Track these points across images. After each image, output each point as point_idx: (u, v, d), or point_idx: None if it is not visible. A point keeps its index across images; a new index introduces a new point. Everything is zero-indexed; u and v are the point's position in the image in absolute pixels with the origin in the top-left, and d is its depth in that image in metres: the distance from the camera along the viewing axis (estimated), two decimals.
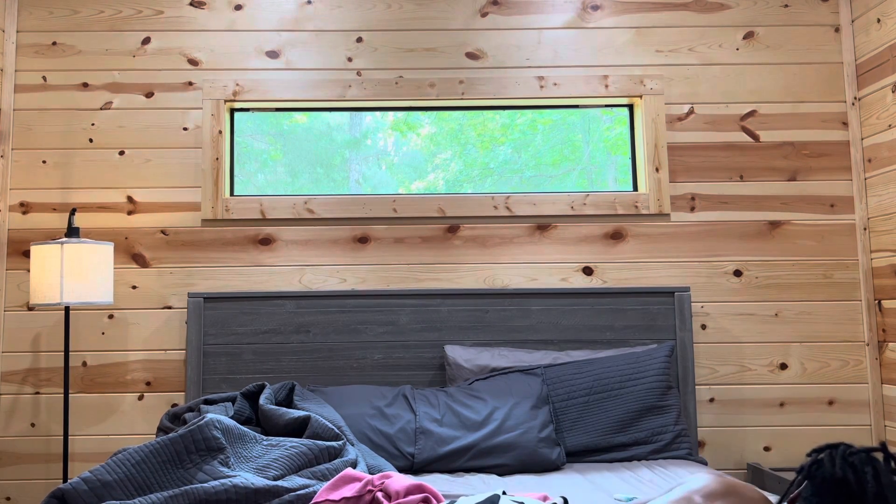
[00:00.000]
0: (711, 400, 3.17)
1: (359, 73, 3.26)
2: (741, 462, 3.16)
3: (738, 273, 3.22)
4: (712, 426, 3.16)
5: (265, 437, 2.17)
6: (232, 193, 3.30)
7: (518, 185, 3.38)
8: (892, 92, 3.04)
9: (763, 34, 3.32)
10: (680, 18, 3.32)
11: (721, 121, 3.28)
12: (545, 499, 1.85)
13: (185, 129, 3.22)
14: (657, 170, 3.23)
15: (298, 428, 2.32)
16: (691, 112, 3.28)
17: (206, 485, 1.78)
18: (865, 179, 3.23)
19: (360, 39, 3.28)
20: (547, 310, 3.08)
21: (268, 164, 3.37)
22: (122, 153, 3.20)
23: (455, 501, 1.72)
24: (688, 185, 3.25)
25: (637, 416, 2.73)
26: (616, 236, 3.22)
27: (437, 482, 2.35)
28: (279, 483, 1.85)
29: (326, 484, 1.86)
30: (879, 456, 1.74)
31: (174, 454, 1.90)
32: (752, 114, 3.28)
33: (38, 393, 3.10)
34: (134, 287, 3.15)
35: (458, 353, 2.94)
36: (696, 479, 1.50)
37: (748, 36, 3.32)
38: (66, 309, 2.89)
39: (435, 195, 3.21)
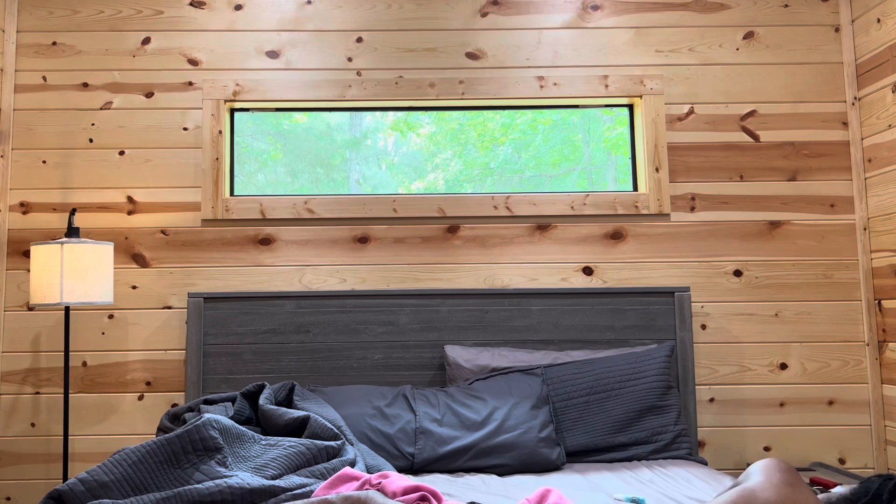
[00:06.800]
0: (711, 400, 3.16)
1: (359, 73, 3.26)
2: (741, 462, 3.16)
3: (738, 273, 3.21)
4: (712, 426, 3.16)
5: (263, 437, 2.17)
6: (232, 193, 3.30)
7: (518, 185, 3.38)
8: (892, 92, 3.04)
9: (763, 34, 3.32)
10: (680, 18, 3.32)
11: (721, 121, 3.28)
12: (546, 493, 1.85)
13: (185, 129, 3.22)
14: (657, 170, 3.22)
15: (298, 428, 2.32)
16: (691, 112, 3.28)
17: (199, 485, 1.78)
18: (865, 179, 3.22)
19: (360, 39, 3.28)
20: (547, 310, 3.08)
21: (268, 164, 3.37)
22: (122, 153, 3.20)
23: None
24: (688, 185, 3.25)
25: (637, 416, 2.73)
26: (616, 236, 3.22)
27: (437, 482, 2.35)
28: (275, 483, 1.85)
29: (324, 483, 1.86)
30: None
31: (171, 454, 1.90)
32: (752, 114, 3.28)
33: (38, 393, 3.10)
34: (134, 287, 3.15)
35: (458, 353, 2.94)
36: (755, 481, 1.45)
37: (748, 36, 3.32)
38: (66, 309, 2.89)
39: (435, 195, 3.21)
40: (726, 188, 3.25)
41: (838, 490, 1.47)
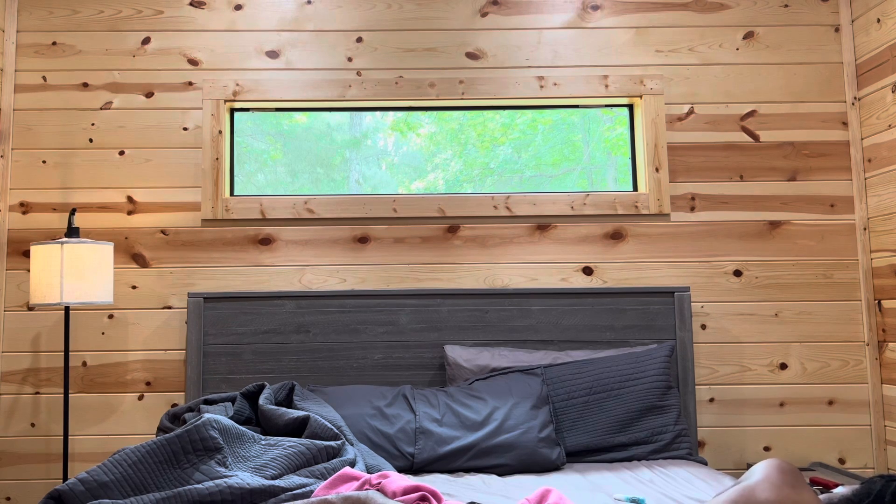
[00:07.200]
0: (711, 400, 3.16)
1: (359, 73, 3.26)
2: (741, 462, 3.16)
3: (738, 273, 3.21)
4: (712, 426, 3.16)
5: (263, 437, 2.17)
6: (232, 193, 3.30)
7: (518, 185, 3.38)
8: (892, 92, 3.04)
9: (763, 34, 3.32)
10: (680, 18, 3.32)
11: (721, 121, 3.27)
12: (546, 493, 1.85)
13: (185, 129, 3.22)
14: (657, 170, 3.22)
15: (297, 428, 2.32)
16: (691, 112, 3.28)
17: (199, 486, 1.78)
18: (865, 179, 3.22)
19: (360, 39, 3.28)
20: (547, 310, 3.08)
21: (268, 164, 3.37)
22: (122, 153, 3.20)
23: None
24: (688, 185, 3.25)
25: (637, 416, 2.73)
26: (616, 236, 3.22)
27: (437, 482, 2.35)
28: (275, 483, 1.85)
29: (324, 483, 1.86)
30: None
31: (171, 454, 1.90)
32: (752, 114, 3.28)
33: (38, 393, 3.10)
34: (134, 287, 3.15)
35: (458, 353, 2.94)
36: (755, 480, 1.45)
37: (748, 36, 3.32)
38: (66, 309, 2.89)
39: (435, 195, 3.21)
40: (726, 188, 3.25)
41: (840, 490, 1.47)
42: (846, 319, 3.20)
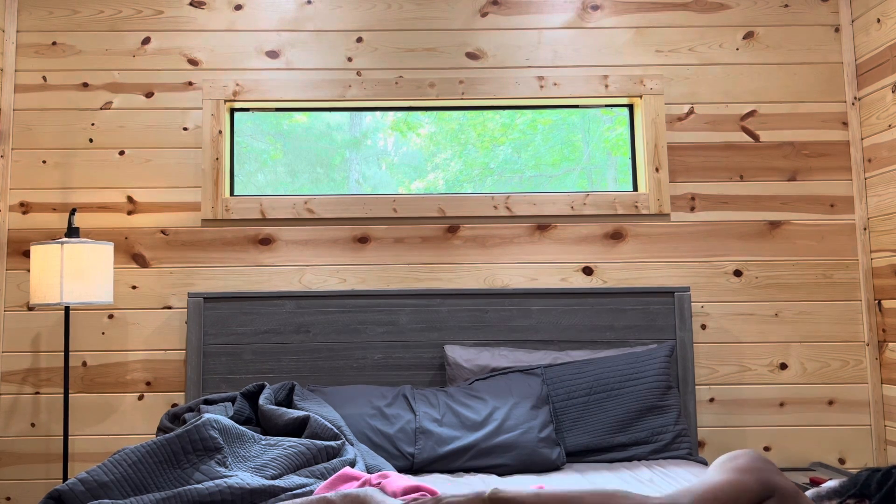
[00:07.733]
0: (711, 400, 3.16)
1: (359, 73, 3.26)
2: None
3: (738, 273, 3.21)
4: (712, 426, 3.16)
5: (263, 437, 2.17)
6: (232, 193, 3.30)
7: (518, 185, 3.38)
8: (892, 92, 3.04)
9: (763, 34, 3.32)
10: (680, 18, 3.32)
11: (721, 121, 3.28)
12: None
13: (185, 129, 3.22)
14: (657, 170, 3.22)
15: (298, 428, 2.32)
16: (691, 112, 3.28)
17: (199, 486, 1.78)
18: (865, 179, 3.22)
19: (360, 39, 3.28)
20: (547, 310, 3.08)
21: (268, 164, 3.37)
22: (122, 153, 3.20)
23: None
24: (688, 185, 3.25)
25: (637, 416, 2.73)
26: (616, 236, 3.22)
27: (437, 482, 2.35)
28: (275, 483, 1.85)
29: (324, 483, 1.86)
30: None
31: (171, 454, 1.90)
32: (752, 114, 3.28)
33: (38, 393, 3.10)
34: (134, 287, 3.15)
35: (458, 353, 2.94)
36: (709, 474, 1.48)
37: (748, 36, 3.32)
38: (66, 309, 2.89)
39: (435, 195, 3.21)
40: (726, 188, 3.25)
41: (829, 484, 1.51)
42: (846, 319, 3.20)
